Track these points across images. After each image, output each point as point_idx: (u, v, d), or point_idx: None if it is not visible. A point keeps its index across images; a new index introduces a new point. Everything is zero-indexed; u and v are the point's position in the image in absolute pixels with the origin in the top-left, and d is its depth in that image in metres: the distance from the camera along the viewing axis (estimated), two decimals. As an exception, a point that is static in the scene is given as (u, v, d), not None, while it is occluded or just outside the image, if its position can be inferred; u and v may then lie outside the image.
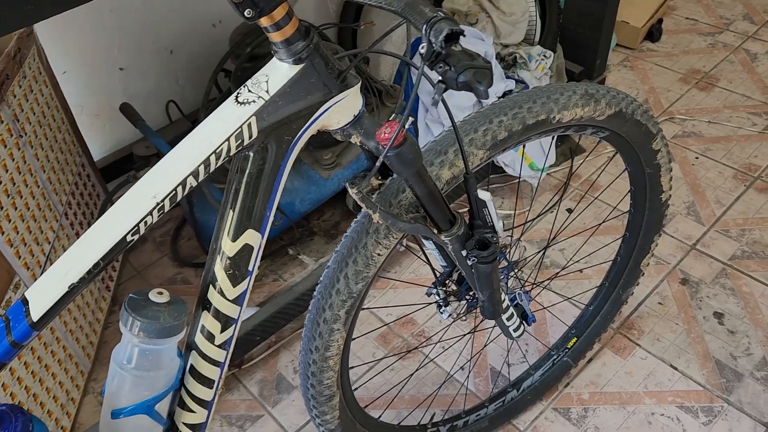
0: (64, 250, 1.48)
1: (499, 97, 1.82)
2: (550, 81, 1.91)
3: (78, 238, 1.55)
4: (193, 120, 1.74)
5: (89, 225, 1.64)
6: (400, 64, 1.74)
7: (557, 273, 1.50)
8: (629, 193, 1.23)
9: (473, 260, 0.89)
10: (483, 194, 0.87)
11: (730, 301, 1.59)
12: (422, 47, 0.53)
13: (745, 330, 1.52)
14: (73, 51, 1.74)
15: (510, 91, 1.82)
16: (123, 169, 1.84)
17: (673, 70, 2.29)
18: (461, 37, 0.51)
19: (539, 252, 1.69)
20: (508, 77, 1.82)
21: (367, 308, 1.64)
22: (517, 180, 1.86)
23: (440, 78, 0.54)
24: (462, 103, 1.75)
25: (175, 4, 1.84)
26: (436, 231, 0.87)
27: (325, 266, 0.93)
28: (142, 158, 1.57)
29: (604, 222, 1.69)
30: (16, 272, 1.28)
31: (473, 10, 1.95)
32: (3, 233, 1.24)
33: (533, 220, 1.79)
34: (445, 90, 0.56)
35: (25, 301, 0.66)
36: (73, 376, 1.48)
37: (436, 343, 1.53)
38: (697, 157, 1.96)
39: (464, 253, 0.90)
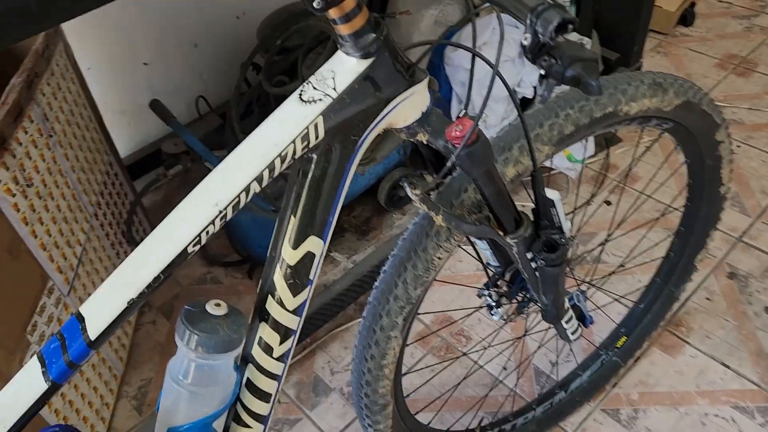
0: (96, 252, 1.45)
1: (533, 87, 1.77)
2: (586, 69, 1.84)
3: (108, 239, 1.53)
4: (221, 114, 1.69)
5: (119, 225, 1.60)
6: (432, 54, 1.68)
7: (613, 271, 1.45)
8: (687, 187, 1.18)
9: (540, 263, 0.84)
10: (551, 193, 0.82)
11: (782, 295, 1.53)
12: (525, 39, 0.48)
13: (799, 326, 1.46)
14: (97, 46, 1.69)
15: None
16: (149, 166, 1.80)
17: (708, 56, 2.22)
18: (570, 27, 0.46)
19: (595, 249, 1.63)
20: (543, 66, 1.76)
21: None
22: (556, 172, 1.80)
23: (543, 72, 0.49)
24: (496, 93, 1.69)
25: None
26: (501, 233, 0.82)
27: (382, 270, 0.88)
28: (171, 156, 1.53)
29: (662, 216, 1.63)
30: (49, 277, 1.24)
31: (505, -3, 1.88)
32: (36, 237, 1.20)
33: (573, 212, 1.74)
34: (555, 85, 0.51)
35: (80, 318, 0.62)
36: (107, 380, 1.44)
37: (481, 347, 1.49)
38: (738, 146, 1.90)
39: (530, 255, 0.85)
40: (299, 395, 1.47)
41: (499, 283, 1.07)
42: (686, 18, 2.32)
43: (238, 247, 1.73)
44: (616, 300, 1.49)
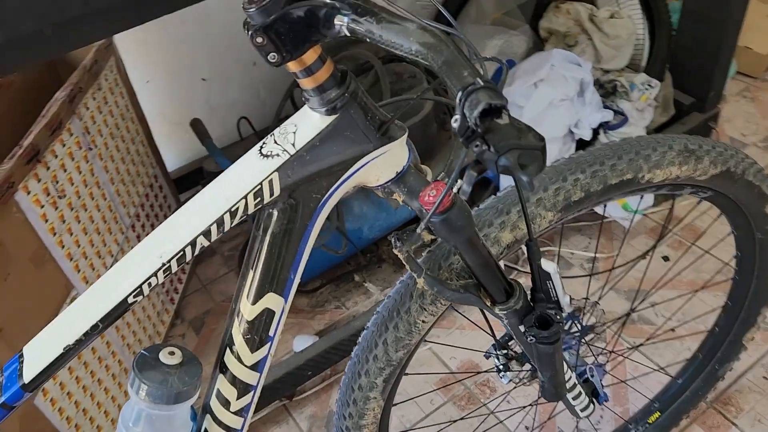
0: (127, 264, 1.47)
1: (594, 129, 1.66)
2: (654, 113, 1.72)
3: (143, 250, 1.56)
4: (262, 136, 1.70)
5: (157, 237, 1.64)
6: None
7: (646, 340, 1.32)
8: (734, 258, 1.06)
9: (531, 339, 0.76)
10: (547, 265, 0.75)
11: None
12: (454, 120, 0.42)
13: None
14: (157, 60, 1.74)
15: (607, 123, 1.66)
16: (198, 180, 1.83)
17: (802, 104, 2.02)
18: (504, 111, 0.40)
19: (623, 316, 1.51)
20: (605, 107, 1.65)
21: (428, 345, 1.53)
22: (609, 220, 1.69)
23: (476, 158, 0.43)
24: (549, 132, 1.60)
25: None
26: (489, 302, 0.75)
27: (365, 327, 0.83)
28: (211, 174, 1.54)
29: (710, 281, 1.49)
30: (73, 286, 1.27)
31: (573, 32, 1.79)
32: (63, 246, 1.23)
33: (618, 267, 1.62)
34: (480, 174, 0.45)
35: (21, 357, 0.61)
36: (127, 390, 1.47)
37: (503, 399, 1.40)
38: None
39: (522, 328, 0.78)
40: (311, 429, 1.44)
41: (508, 344, 1.00)
42: (781, 61, 2.13)
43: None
44: (658, 370, 1.36)
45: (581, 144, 1.67)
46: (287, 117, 1.63)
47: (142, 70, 1.71)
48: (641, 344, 1.36)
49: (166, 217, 1.66)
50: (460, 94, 0.41)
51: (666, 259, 1.64)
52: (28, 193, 1.14)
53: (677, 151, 0.81)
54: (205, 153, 1.89)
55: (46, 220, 1.19)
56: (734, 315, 1.12)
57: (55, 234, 1.21)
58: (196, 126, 1.49)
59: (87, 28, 0.84)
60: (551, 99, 1.57)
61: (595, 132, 1.66)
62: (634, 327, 1.49)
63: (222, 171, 1.52)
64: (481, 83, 0.41)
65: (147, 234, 1.55)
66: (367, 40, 0.52)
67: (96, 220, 1.34)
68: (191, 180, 1.81)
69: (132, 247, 1.48)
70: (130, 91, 1.53)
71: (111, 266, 1.37)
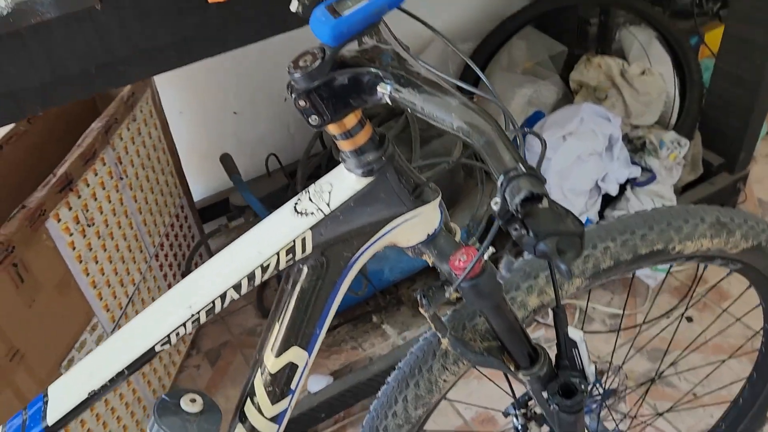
0: (149, 293, 1.49)
1: (620, 185, 1.66)
2: (682, 171, 1.71)
3: (165, 279, 1.57)
4: (290, 172, 1.71)
5: (179, 267, 1.65)
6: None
7: (670, 408, 1.29)
8: (762, 331, 1.04)
9: (554, 408, 0.75)
10: (574, 333, 0.74)
11: None
12: (495, 202, 0.43)
13: None
14: (191, 92, 1.78)
15: (634, 179, 1.65)
16: (222, 211, 1.85)
17: (833, 169, 2.00)
18: (545, 198, 0.40)
19: (648, 382, 1.48)
20: (633, 163, 1.65)
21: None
22: (633, 276, 1.67)
23: (514, 240, 0.43)
24: (577, 186, 1.60)
25: (292, 52, 1.84)
26: (513, 367, 0.74)
27: (386, 381, 0.83)
28: (237, 208, 1.56)
29: (739, 349, 1.46)
30: (95, 314, 1.28)
31: (603, 85, 1.80)
32: (88, 274, 1.24)
33: (644, 323, 1.59)
34: (518, 257, 0.45)
35: (45, 397, 0.62)
36: (139, 419, 1.46)
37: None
38: None
39: (545, 395, 0.77)
40: (321, 471, 1.42)
41: (529, 404, 0.98)
42: (813, 124, 2.11)
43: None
44: (676, 434, 1.33)
45: (607, 199, 1.66)
46: (316, 155, 1.64)
47: (176, 102, 1.74)
48: (665, 411, 1.33)
49: (189, 247, 1.68)
50: (502, 178, 0.42)
51: (689, 320, 1.62)
52: (59, 221, 1.16)
53: (709, 223, 0.80)
54: (231, 185, 1.92)
55: (74, 248, 1.20)
56: (759, 387, 1.10)
57: (81, 261, 1.22)
58: (226, 161, 1.52)
59: (131, 68, 0.87)
60: (579, 152, 1.57)
61: (622, 187, 1.66)
62: (656, 389, 1.46)
63: (247, 206, 1.52)
64: (524, 170, 0.41)
65: (171, 264, 1.57)
66: (408, 110, 0.52)
67: (121, 248, 1.36)
68: (216, 210, 1.82)
69: (155, 276, 1.50)
70: (163, 122, 1.55)
71: (132, 296, 1.38)
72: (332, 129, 0.58)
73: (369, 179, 0.61)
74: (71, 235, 1.19)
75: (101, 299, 1.29)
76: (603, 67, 1.80)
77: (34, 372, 1.15)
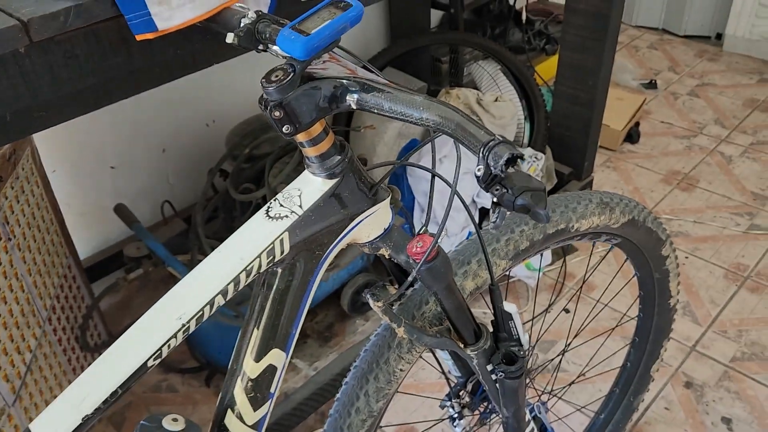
0: (46, 359, 1.40)
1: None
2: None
3: (60, 344, 1.48)
4: (186, 218, 1.71)
5: (72, 331, 1.56)
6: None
7: (573, 381, 1.45)
8: (638, 298, 1.22)
9: (500, 375, 0.85)
10: (509, 306, 0.85)
11: (737, 405, 1.55)
12: (478, 170, 0.52)
13: (755, 436, 1.48)
14: (65, 149, 1.72)
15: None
16: (109, 268, 1.78)
17: (654, 171, 2.35)
18: (520, 160, 0.50)
19: (556, 357, 1.64)
20: (501, 178, 1.84)
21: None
22: (515, 280, 1.84)
23: (495, 200, 0.52)
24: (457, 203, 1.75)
25: (168, 104, 1.85)
26: (462, 345, 0.83)
27: (344, 382, 0.88)
28: (133, 259, 1.52)
29: (618, 325, 1.66)
30: (-6, 384, 1.19)
31: (464, 113, 1.99)
32: (-16, 343, 1.16)
33: (532, 320, 1.76)
34: (506, 213, 0.54)
35: (29, 436, 0.60)
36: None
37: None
38: (687, 257, 1.98)
39: (489, 367, 0.86)
40: None
41: (461, 393, 1.07)
42: (632, 136, 2.48)
43: (196, 353, 1.69)
44: (578, 410, 1.49)
45: (484, 212, 1.84)
46: (211, 198, 1.65)
47: (49, 160, 1.67)
48: (570, 384, 1.48)
49: (80, 309, 1.60)
50: (482, 149, 0.51)
51: (567, 311, 1.81)
52: (-46, 286, 1.08)
53: (596, 203, 0.96)
54: (116, 239, 1.86)
55: (-31, 315, 1.12)
56: (642, 349, 1.28)
57: (-23, 329, 1.14)
58: (122, 211, 1.48)
59: (49, 114, 0.86)
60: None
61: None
62: (550, 376, 1.62)
63: (150, 254, 1.50)
64: (500, 138, 0.51)
65: (64, 328, 1.49)
66: (375, 112, 0.60)
67: (15, 313, 1.28)
68: (102, 268, 1.75)
69: (50, 342, 1.41)
70: (44, 179, 1.49)
71: (30, 364, 1.30)
72: (301, 137, 0.64)
73: (334, 181, 0.68)
74: (-34, 300, 1.11)
75: (0, 369, 1.20)
76: (461, 97, 2.00)
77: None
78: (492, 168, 0.50)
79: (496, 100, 1.99)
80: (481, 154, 0.51)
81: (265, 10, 0.93)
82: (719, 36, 3.10)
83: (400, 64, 2.23)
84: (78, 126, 1.70)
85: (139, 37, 0.82)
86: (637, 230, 1.04)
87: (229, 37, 0.73)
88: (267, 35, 0.70)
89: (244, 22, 0.73)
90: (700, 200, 2.20)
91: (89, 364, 1.24)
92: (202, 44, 0.90)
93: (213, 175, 1.58)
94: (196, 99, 1.91)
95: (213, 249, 1.49)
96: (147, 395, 1.65)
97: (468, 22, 2.45)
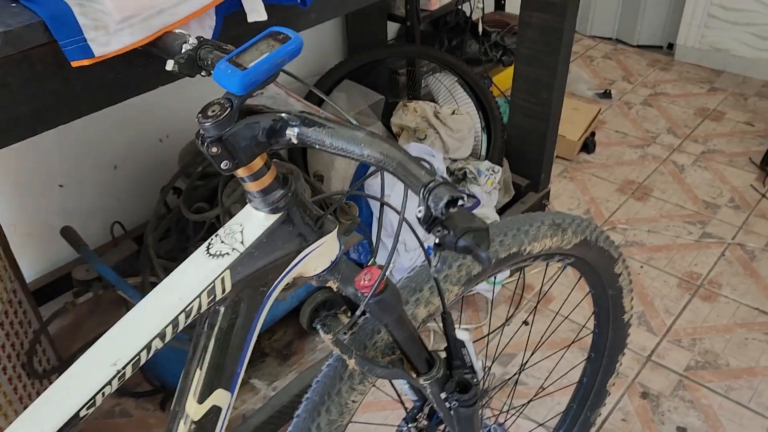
0: (-10, 392, 1.34)
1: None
2: (498, 195, 1.95)
3: (6, 373, 1.42)
4: (135, 237, 1.66)
5: (18, 358, 1.50)
6: (352, 181, 1.74)
7: (532, 398, 1.46)
8: (593, 315, 1.23)
9: (454, 404, 0.84)
10: (461, 334, 0.84)
11: (691, 414, 1.58)
12: (419, 211, 0.51)
13: (710, 445, 1.50)
14: (9, 167, 1.66)
15: (462, 206, 1.84)
16: (58, 291, 1.72)
17: (609, 181, 2.39)
18: (461, 200, 0.49)
19: (513, 375, 1.64)
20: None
21: None
22: (473, 293, 1.84)
23: (438, 241, 0.51)
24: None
25: (119, 120, 1.80)
26: (414, 375, 0.82)
27: (295, 415, 0.86)
28: (81, 283, 1.47)
29: (576, 340, 1.67)
30: (-69, 422, 1.13)
31: (422, 127, 1.99)
32: None
33: (489, 334, 1.76)
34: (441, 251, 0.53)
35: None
36: None
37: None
38: (641, 266, 2.01)
39: (443, 395, 0.85)
40: None
41: (418, 417, 1.06)
42: (588, 146, 2.51)
43: (150, 377, 1.64)
44: (539, 426, 1.49)
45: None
46: (163, 216, 1.61)
47: (-7, 180, 1.62)
48: (528, 402, 1.49)
49: (26, 335, 1.54)
50: (422, 190, 0.50)
51: (526, 323, 1.82)
52: None
53: (548, 225, 0.96)
54: (65, 261, 1.80)
55: None
56: (597, 365, 1.29)
57: None
58: (69, 234, 1.43)
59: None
60: (413, 187, 1.72)
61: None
62: (508, 390, 1.62)
63: (99, 276, 1.45)
64: (441, 179, 0.50)
65: (9, 355, 1.43)
66: (317, 147, 0.59)
67: (-46, 344, 1.22)
68: (50, 291, 1.69)
69: (-5, 372, 1.35)
70: (-14, 202, 1.43)
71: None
72: (241, 172, 0.62)
73: (277, 215, 0.66)
74: None
75: (-62, 404, 1.15)
76: (419, 110, 2.00)
77: None
78: (432, 210, 0.49)
79: (453, 113, 2.00)
80: (421, 195, 0.50)
81: (210, 33, 0.91)
82: (671, 46, 3.17)
83: (357, 76, 2.22)
84: (24, 143, 1.64)
85: (75, 64, 0.79)
86: (589, 250, 1.04)
87: (169, 65, 0.71)
88: (209, 62, 0.68)
89: (185, 47, 0.71)
90: (654, 209, 2.24)
91: (37, 392, 1.20)
92: (144, 68, 0.88)
93: (165, 193, 1.54)
94: (149, 113, 1.87)
95: (165, 270, 1.45)
96: (99, 421, 1.60)
97: (425, 34, 2.46)
